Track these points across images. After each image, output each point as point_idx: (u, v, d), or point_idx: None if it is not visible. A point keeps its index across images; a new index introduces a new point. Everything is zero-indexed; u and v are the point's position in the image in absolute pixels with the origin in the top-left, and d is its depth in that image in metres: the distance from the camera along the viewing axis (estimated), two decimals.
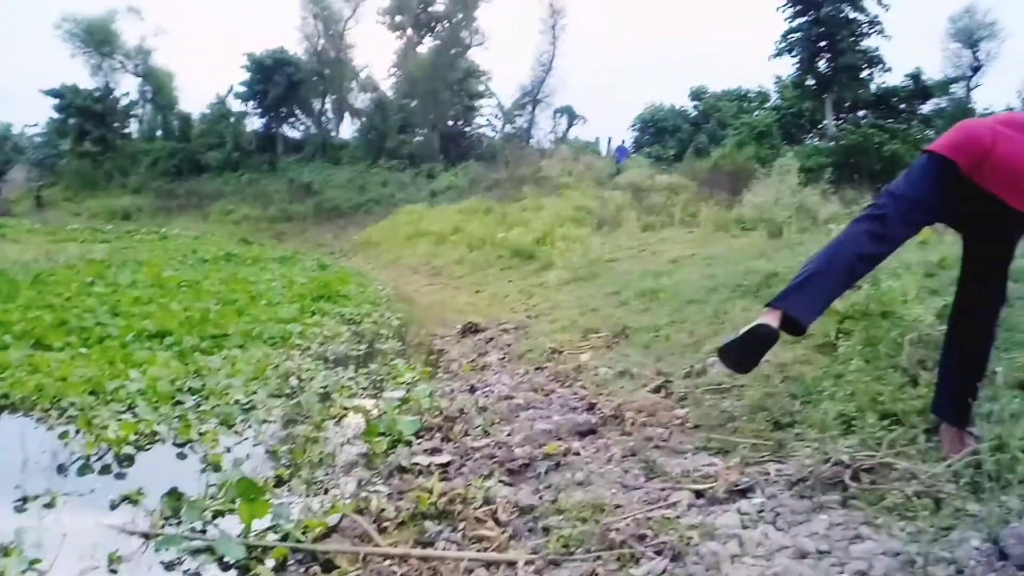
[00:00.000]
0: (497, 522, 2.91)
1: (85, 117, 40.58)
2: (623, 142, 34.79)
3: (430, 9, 40.47)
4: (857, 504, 2.64)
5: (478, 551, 2.70)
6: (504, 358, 6.88)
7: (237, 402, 5.09)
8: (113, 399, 4.83)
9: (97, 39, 41.04)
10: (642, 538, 2.53)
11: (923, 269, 5.51)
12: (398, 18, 41.00)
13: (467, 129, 39.61)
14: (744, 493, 2.88)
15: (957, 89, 32.59)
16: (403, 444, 4.25)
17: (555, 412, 4.53)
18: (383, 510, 3.13)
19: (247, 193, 35.42)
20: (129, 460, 4.00)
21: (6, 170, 44.28)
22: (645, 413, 4.15)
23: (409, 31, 41.07)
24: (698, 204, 17.16)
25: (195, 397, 5.14)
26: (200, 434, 4.34)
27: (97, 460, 3.96)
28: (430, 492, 3.27)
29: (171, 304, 8.33)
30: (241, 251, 19.06)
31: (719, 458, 3.36)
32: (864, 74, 29.75)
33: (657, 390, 4.69)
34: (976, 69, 32.34)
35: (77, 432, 4.22)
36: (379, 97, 40.24)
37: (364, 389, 5.86)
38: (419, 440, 4.36)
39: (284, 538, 2.91)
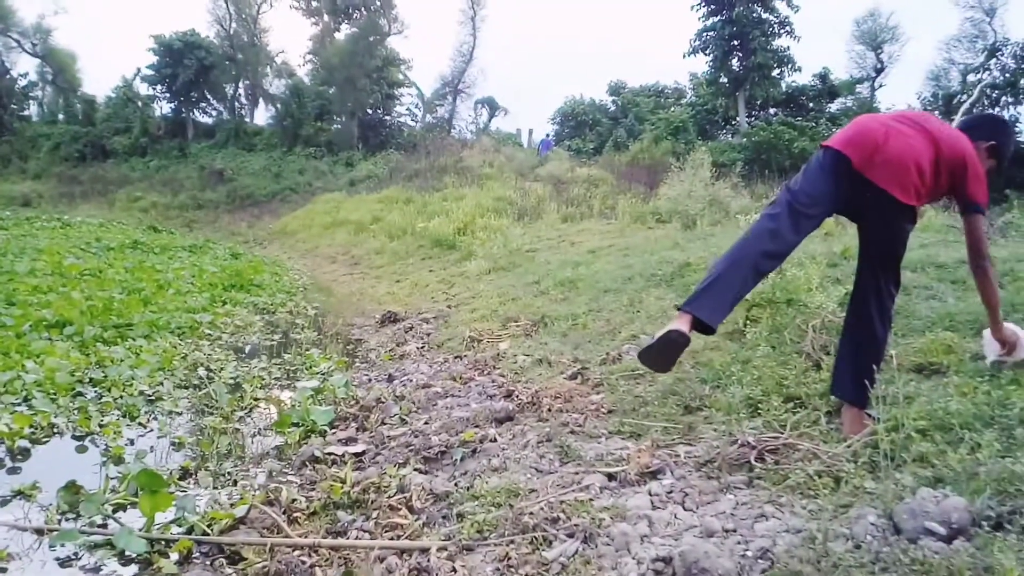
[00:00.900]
0: (411, 510, 2.88)
1: None
2: (547, 135, 35.08)
3: None
4: (762, 484, 2.73)
5: (391, 539, 2.67)
6: (423, 347, 6.84)
7: (141, 393, 4.91)
8: (7, 391, 4.56)
9: None
10: (555, 521, 2.54)
11: (827, 259, 5.73)
12: (314, 3, 40.16)
13: (387, 118, 39.09)
14: (655, 475, 2.94)
15: (862, 89, 34.05)
16: (317, 434, 4.18)
17: (473, 400, 4.52)
18: (294, 501, 3.06)
19: (156, 180, 34.16)
20: (24, 454, 3.80)
21: None
22: (562, 399, 4.18)
23: (325, 17, 40.28)
24: (616, 196, 17.42)
25: (96, 388, 4.93)
26: (101, 426, 4.16)
27: None
28: (343, 482, 3.22)
29: (72, 293, 7.93)
30: (149, 239, 18.31)
31: (632, 442, 3.41)
32: (775, 73, 30.78)
33: (574, 377, 4.73)
34: (879, 70, 33.83)
35: None
36: (295, 83, 39.31)
37: (277, 380, 5.72)
38: (334, 430, 4.30)
39: (189, 531, 2.81)
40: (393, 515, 2.85)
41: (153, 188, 33.04)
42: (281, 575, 2.47)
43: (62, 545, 2.73)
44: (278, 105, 39.15)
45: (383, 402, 4.65)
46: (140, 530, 2.79)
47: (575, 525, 2.49)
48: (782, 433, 3.08)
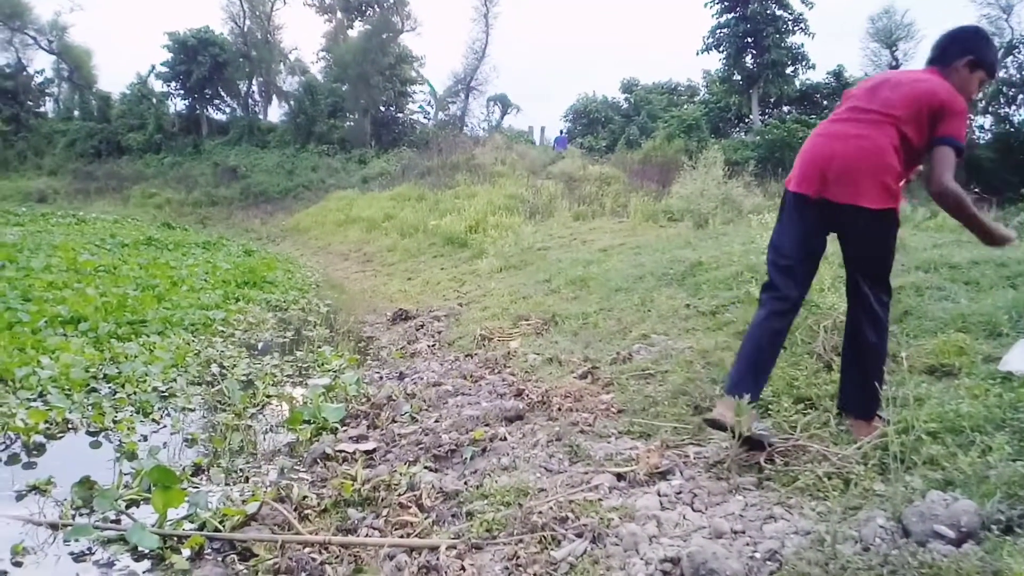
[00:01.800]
0: (421, 508, 2.90)
1: None
2: (562, 131, 35.23)
3: None
4: (771, 485, 2.73)
5: (401, 537, 2.69)
6: (434, 345, 6.86)
7: (155, 390, 4.95)
8: (23, 386, 4.62)
9: (6, 12, 39.10)
10: (564, 521, 2.55)
11: (838, 259, 5.68)
12: (327, 1, 40.27)
13: (399, 115, 39.12)
14: (664, 476, 2.94)
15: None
16: (328, 431, 4.20)
17: (483, 398, 4.53)
18: (305, 498, 3.08)
19: (170, 176, 34.35)
20: (39, 449, 3.84)
21: None
22: (572, 398, 4.19)
23: (339, 14, 40.38)
24: (628, 195, 17.41)
25: (111, 384, 4.98)
26: (115, 422, 4.20)
27: (4, 450, 3.78)
28: (354, 479, 3.24)
29: (87, 289, 8.00)
30: (163, 236, 18.43)
31: (641, 442, 3.42)
32: (789, 71, 30.56)
33: (584, 376, 4.74)
34: (895, 68, 33.56)
35: None
36: (308, 80, 39.41)
37: (289, 377, 5.76)
38: (345, 427, 4.32)
39: (201, 527, 2.84)
40: (403, 513, 2.87)
41: (167, 184, 33.24)
42: (292, 572, 2.50)
43: (76, 540, 2.76)
44: (291, 102, 39.27)
45: (394, 400, 4.67)
46: (153, 526, 2.82)
47: (584, 525, 2.50)
48: (792, 434, 3.08)
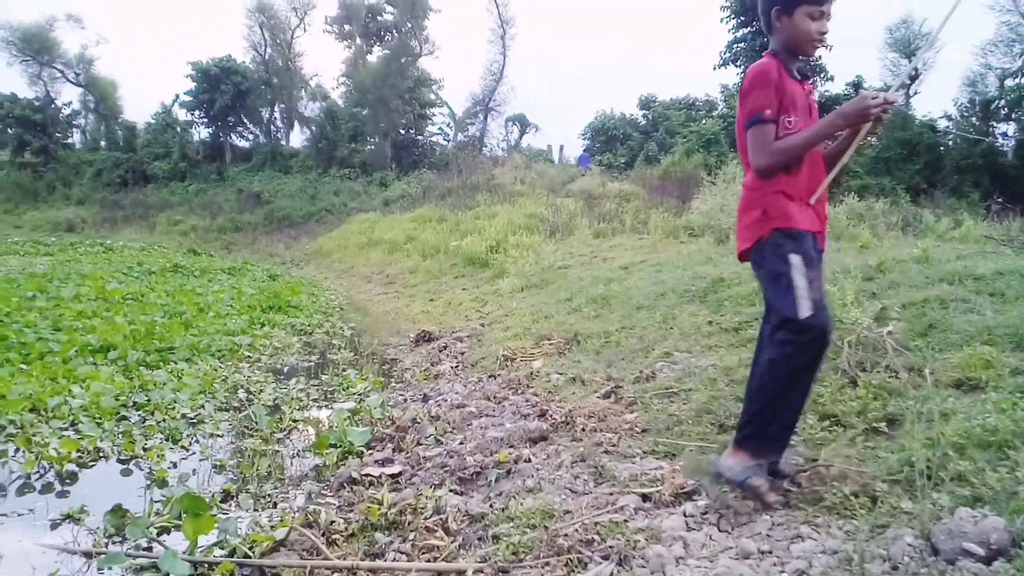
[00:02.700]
0: (447, 531, 2.91)
1: (25, 127, 39.66)
2: (585, 150, 35.56)
3: (379, 18, 40.43)
4: (798, 504, 2.71)
5: (427, 561, 2.70)
6: (457, 366, 6.88)
7: (184, 416, 5.01)
8: (55, 416, 4.71)
9: (35, 47, 40.13)
10: (589, 543, 2.55)
11: (862, 273, 5.67)
12: (346, 27, 40.87)
13: (419, 137, 39.47)
14: (689, 496, 2.93)
15: (897, 97, 33.56)
16: (354, 455, 4.23)
17: (507, 419, 4.55)
18: (332, 522, 3.11)
19: (195, 203, 34.89)
20: (72, 478, 3.90)
21: None
22: (595, 419, 4.19)
23: (358, 40, 40.94)
24: (648, 211, 17.37)
25: (140, 412, 5.06)
26: (145, 450, 4.26)
27: (38, 479, 3.85)
28: (380, 503, 3.26)
29: (115, 318, 8.13)
30: (189, 262, 18.69)
31: (666, 462, 3.41)
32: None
33: (607, 395, 4.74)
34: (914, 77, 33.35)
35: (17, 451, 4.11)
36: (329, 106, 39.94)
37: (315, 400, 5.81)
38: (370, 451, 4.34)
39: (231, 553, 2.87)
40: (429, 537, 2.88)
41: (192, 211, 33.76)
42: None
43: (109, 568, 2.81)
44: (313, 127, 39.80)
45: (418, 422, 4.69)
46: (184, 553, 2.85)
47: (610, 547, 2.51)
48: (819, 452, 3.07)
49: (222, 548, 2.95)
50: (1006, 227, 10.48)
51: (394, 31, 39.97)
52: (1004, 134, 26.73)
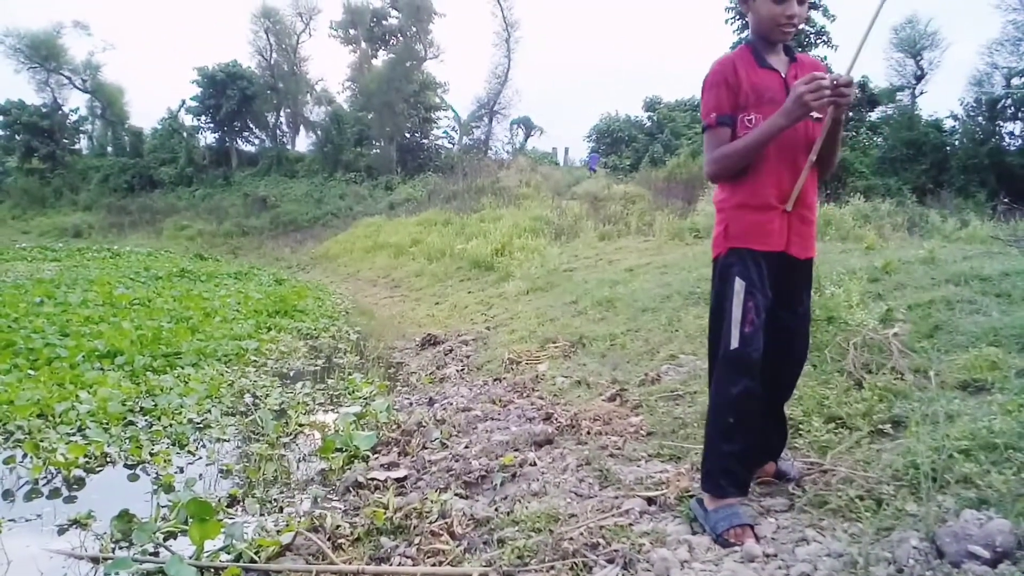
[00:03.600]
0: (452, 535, 2.91)
1: (32, 133, 39.93)
2: (592, 150, 35.68)
3: (384, 22, 40.53)
4: (803, 507, 2.71)
5: (433, 565, 2.70)
6: (463, 369, 6.89)
7: (190, 421, 5.03)
8: (62, 421, 4.74)
9: (42, 54, 40.41)
10: (595, 547, 2.55)
11: (867, 274, 5.65)
12: (351, 32, 40.98)
13: (424, 141, 39.55)
14: (696, 496, 2.93)
15: (903, 97, 33.50)
16: (359, 459, 4.24)
17: (512, 423, 4.54)
18: (338, 527, 3.11)
19: (201, 208, 35.05)
20: (79, 483, 3.92)
21: None
22: (601, 422, 4.19)
23: (363, 44, 41.05)
24: (653, 213, 17.36)
25: (147, 417, 5.08)
26: (152, 455, 4.28)
27: (45, 484, 3.87)
28: (386, 507, 3.26)
29: (123, 323, 8.18)
30: (196, 267, 18.77)
31: (671, 465, 3.41)
32: None
33: (613, 398, 4.73)
34: (919, 77, 33.26)
35: (24, 456, 4.13)
36: (334, 110, 40.07)
37: (321, 405, 5.82)
38: (376, 455, 4.35)
39: (237, 558, 2.88)
40: (435, 541, 2.88)
41: (199, 216, 33.91)
42: None
43: (116, 574, 2.80)
44: (318, 132, 39.95)
45: (424, 426, 4.70)
46: (190, 558, 2.86)
47: (615, 550, 2.50)
48: (824, 455, 3.06)
49: (228, 553, 2.96)
50: (1012, 227, 10.45)
51: (399, 35, 40.07)
52: (1011, 133, 26.65)
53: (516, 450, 3.90)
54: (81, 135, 44.53)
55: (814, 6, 27.66)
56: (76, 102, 44.51)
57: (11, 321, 7.97)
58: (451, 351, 7.90)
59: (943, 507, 2.36)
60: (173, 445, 4.54)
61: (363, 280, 18.68)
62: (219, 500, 3.60)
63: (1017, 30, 26.94)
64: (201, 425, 5.00)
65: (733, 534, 2.51)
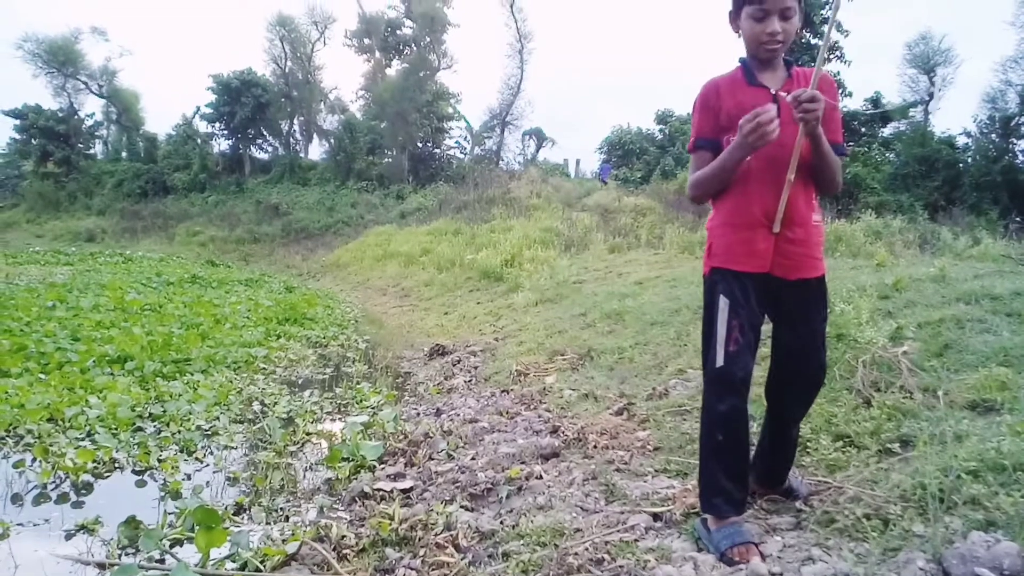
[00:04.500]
0: (457, 548, 2.92)
1: (48, 138, 40.28)
2: (604, 161, 35.77)
3: (398, 32, 40.78)
4: (809, 526, 2.70)
5: None
6: (471, 380, 6.90)
7: (198, 428, 5.05)
8: (72, 426, 4.76)
9: (60, 59, 40.82)
10: (599, 562, 2.55)
11: (877, 291, 5.63)
12: (366, 41, 41.24)
13: (436, 151, 39.68)
14: (700, 515, 2.92)
15: (916, 113, 33.42)
16: (366, 469, 4.24)
17: (519, 435, 4.55)
18: (344, 537, 3.12)
19: (214, 214, 35.21)
20: (87, 488, 3.94)
21: None
22: (607, 436, 4.19)
23: (377, 54, 41.30)
24: (664, 226, 17.36)
25: (156, 423, 5.10)
26: (160, 461, 4.29)
27: (54, 489, 3.89)
28: (391, 518, 3.27)
29: (133, 328, 8.22)
30: (207, 273, 18.86)
31: (678, 480, 3.40)
32: None
33: (620, 412, 4.73)
34: (932, 94, 33.17)
35: (34, 460, 4.16)
36: (348, 119, 40.26)
37: (329, 413, 5.83)
38: (382, 465, 4.35)
39: (242, 567, 2.89)
40: (440, 553, 2.89)
41: (211, 223, 34.07)
42: None
43: None
44: (331, 140, 40.13)
45: (431, 437, 4.70)
46: (196, 566, 2.87)
47: (620, 566, 2.50)
48: (831, 473, 3.05)
49: (234, 561, 2.97)
50: None
51: (413, 45, 40.29)
52: None
53: (522, 463, 3.90)
54: (96, 140, 44.90)
55: (825, 21, 27.62)
56: (92, 107, 44.92)
57: (23, 325, 8.03)
58: (459, 362, 7.90)
59: (950, 528, 2.35)
60: (181, 452, 4.56)
61: (373, 289, 18.73)
62: (226, 508, 3.61)
63: None
64: (209, 432, 5.02)
65: (736, 552, 2.49)
